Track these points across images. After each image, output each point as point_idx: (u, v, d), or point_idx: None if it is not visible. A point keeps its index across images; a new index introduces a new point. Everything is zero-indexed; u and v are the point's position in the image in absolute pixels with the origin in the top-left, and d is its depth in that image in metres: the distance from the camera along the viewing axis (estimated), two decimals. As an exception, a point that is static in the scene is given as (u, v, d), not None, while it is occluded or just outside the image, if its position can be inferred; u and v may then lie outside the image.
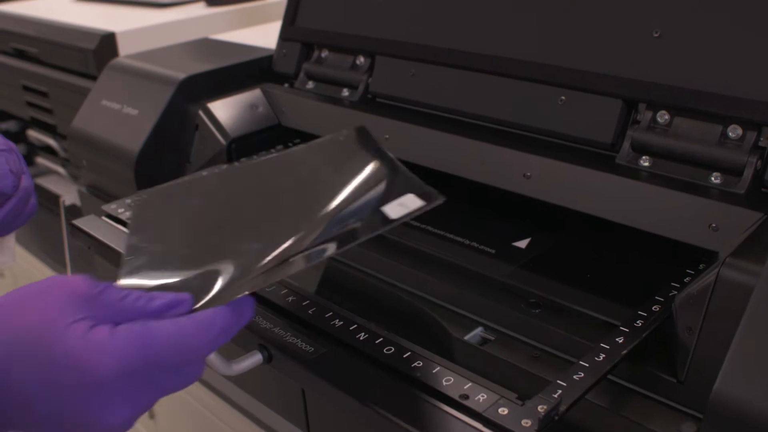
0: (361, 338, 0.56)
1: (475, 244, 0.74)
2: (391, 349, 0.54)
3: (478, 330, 0.65)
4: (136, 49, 1.12)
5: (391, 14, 0.88)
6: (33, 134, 1.40)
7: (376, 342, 0.55)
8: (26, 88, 1.33)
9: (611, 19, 0.71)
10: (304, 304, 0.61)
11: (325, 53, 0.96)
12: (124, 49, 1.18)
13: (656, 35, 0.69)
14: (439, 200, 0.54)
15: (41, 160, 1.44)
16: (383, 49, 0.88)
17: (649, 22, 0.69)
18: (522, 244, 0.74)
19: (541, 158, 0.71)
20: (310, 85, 0.96)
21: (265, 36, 1.12)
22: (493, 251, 0.73)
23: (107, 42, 1.17)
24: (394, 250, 0.74)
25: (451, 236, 0.76)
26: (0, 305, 0.41)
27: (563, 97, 0.74)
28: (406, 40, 0.86)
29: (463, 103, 0.81)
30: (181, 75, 0.93)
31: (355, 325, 0.57)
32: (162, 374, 0.41)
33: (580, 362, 0.52)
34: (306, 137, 0.93)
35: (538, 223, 0.76)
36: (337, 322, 0.58)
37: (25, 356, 0.40)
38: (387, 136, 0.83)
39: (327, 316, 0.59)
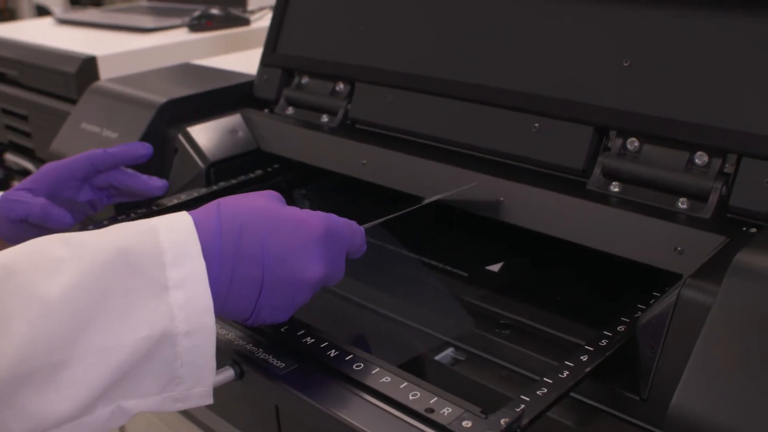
0: (331, 355, 0.59)
1: (449, 268, 0.77)
2: (360, 366, 0.57)
3: (449, 350, 0.68)
4: (117, 73, 1.16)
5: (370, 42, 0.92)
6: (11, 158, 1.43)
7: (346, 359, 0.58)
8: (5, 111, 1.37)
9: (583, 49, 0.76)
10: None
11: (305, 79, 1.00)
12: (105, 72, 1.22)
13: (626, 64, 0.73)
14: None
15: (18, 185, 1.47)
16: (362, 75, 0.92)
17: (619, 52, 0.73)
18: (495, 267, 0.77)
19: (514, 183, 0.75)
20: (290, 110, 1.00)
21: (246, 62, 1.16)
22: (466, 274, 0.76)
23: (88, 66, 1.21)
24: (367, 271, 0.77)
25: (426, 259, 0.79)
26: (225, 200, 0.58)
27: (537, 124, 0.78)
28: (384, 67, 0.90)
29: (440, 129, 0.85)
30: (162, 99, 0.97)
31: (326, 343, 0.60)
32: (336, 244, 0.59)
33: (544, 379, 0.55)
34: (285, 162, 0.97)
35: (512, 247, 0.80)
36: (309, 340, 0.61)
37: (258, 220, 0.56)
38: (364, 162, 0.86)
39: (299, 333, 0.62)
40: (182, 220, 0.53)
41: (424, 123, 0.86)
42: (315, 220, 0.58)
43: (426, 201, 0.75)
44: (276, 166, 0.98)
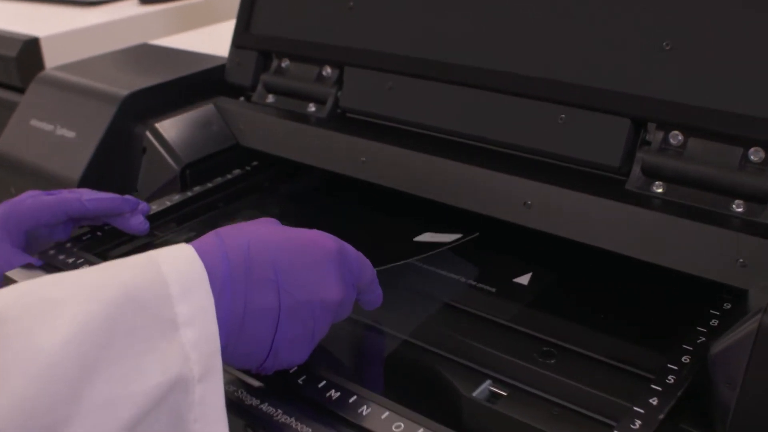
0: (363, 413, 0.52)
1: (473, 282, 0.71)
2: (400, 427, 0.51)
3: (486, 384, 0.62)
4: (64, 56, 1.06)
5: (363, 20, 0.84)
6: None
7: (383, 417, 0.52)
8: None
9: (616, 30, 0.69)
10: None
11: (285, 63, 0.91)
12: (50, 55, 1.11)
13: (667, 48, 0.67)
14: None
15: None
16: (354, 59, 0.84)
17: (659, 33, 0.67)
18: (523, 280, 0.71)
19: (543, 185, 0.68)
20: (270, 99, 0.91)
21: (211, 40, 1.07)
22: (494, 290, 0.70)
23: (30, 48, 1.10)
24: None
25: (444, 272, 0.72)
26: (222, 228, 0.54)
27: (563, 116, 0.71)
28: (380, 48, 0.82)
29: (451, 121, 0.77)
30: (124, 91, 0.88)
31: (354, 397, 0.53)
32: (347, 271, 0.56)
33: (615, 432, 0.49)
34: (268, 159, 0.88)
35: (537, 256, 0.74)
36: (334, 394, 0.54)
37: (266, 241, 0.53)
38: (364, 159, 0.79)
39: (320, 386, 0.55)
40: (183, 249, 0.50)
41: (432, 113, 0.78)
42: (326, 238, 0.56)
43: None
44: (255, 163, 0.90)
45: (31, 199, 0.73)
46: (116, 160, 0.87)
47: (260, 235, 0.54)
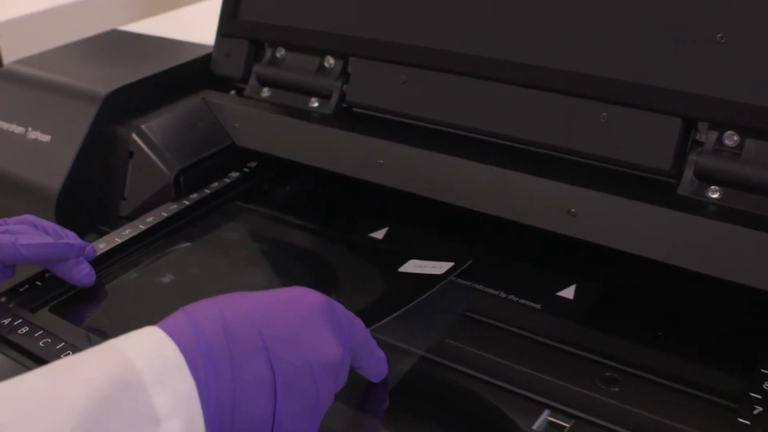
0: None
1: (514, 298, 0.67)
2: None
3: (545, 414, 0.58)
4: (20, 43, 0.98)
5: (369, 6, 0.78)
6: None
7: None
8: None
9: (664, 21, 0.65)
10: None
11: (280, 53, 0.85)
12: (6, 44, 1.02)
13: (721, 40, 0.63)
14: None
15: None
16: (361, 49, 0.78)
17: (711, 25, 0.63)
18: (568, 293, 0.67)
19: (589, 191, 0.64)
20: (266, 92, 0.85)
21: (185, 24, 0.99)
22: (538, 306, 0.66)
23: (-16, 37, 1.01)
24: (419, 311, 0.65)
25: (481, 287, 0.68)
26: (188, 306, 0.48)
27: (605, 114, 0.67)
28: (392, 38, 0.77)
29: (475, 118, 0.73)
30: (105, 89, 0.81)
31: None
32: (336, 321, 0.50)
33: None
34: (266, 160, 0.82)
35: (575, 266, 0.70)
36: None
37: (243, 308, 0.47)
38: (381, 161, 0.74)
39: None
40: (149, 331, 0.45)
41: (453, 110, 0.74)
42: (309, 293, 0.51)
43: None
44: (253, 164, 0.84)
45: None
46: (99, 166, 0.80)
47: (234, 301, 0.48)
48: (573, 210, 0.65)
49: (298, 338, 0.47)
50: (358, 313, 0.54)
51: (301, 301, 0.49)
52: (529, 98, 0.70)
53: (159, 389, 0.42)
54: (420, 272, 0.68)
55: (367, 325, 0.55)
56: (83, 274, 0.66)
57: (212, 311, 0.46)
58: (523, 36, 0.71)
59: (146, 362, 0.42)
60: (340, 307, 0.52)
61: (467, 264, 0.68)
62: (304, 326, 0.48)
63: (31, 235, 0.64)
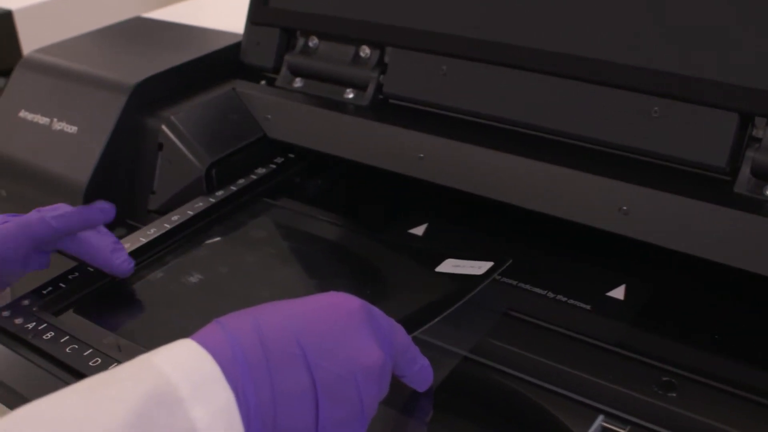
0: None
1: (562, 298, 0.65)
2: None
3: (599, 420, 0.57)
4: (41, 30, 0.96)
5: (408, -7, 0.76)
6: None
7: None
8: None
9: (719, 11, 0.63)
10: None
11: (313, 42, 0.83)
12: (26, 30, 1.00)
13: (780, 32, 0.61)
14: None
15: None
16: (400, 39, 0.77)
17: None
18: (618, 293, 0.66)
19: (641, 188, 0.63)
20: (298, 83, 0.84)
21: (209, 12, 0.98)
22: (588, 307, 0.64)
23: (3, 23, 0.99)
24: (459, 310, 0.64)
25: (528, 287, 0.67)
26: (224, 317, 0.47)
27: (656, 108, 0.65)
28: (432, 28, 0.75)
29: (519, 112, 0.71)
30: (134, 78, 0.79)
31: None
32: (379, 329, 0.49)
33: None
34: (300, 152, 0.81)
35: (624, 265, 0.68)
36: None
37: (279, 315, 0.46)
38: (421, 155, 0.72)
39: None
40: (183, 344, 0.44)
41: (498, 103, 0.72)
42: (347, 298, 0.49)
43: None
44: (282, 158, 0.82)
45: None
46: (127, 158, 0.79)
47: (269, 310, 0.47)
48: (625, 208, 0.64)
49: (337, 345, 0.46)
50: (396, 318, 0.53)
51: (339, 307, 0.48)
52: (578, 91, 0.69)
53: (197, 403, 0.41)
54: (458, 272, 0.67)
55: (408, 332, 0.54)
56: (121, 260, 0.65)
57: (247, 321, 0.46)
58: (572, 26, 0.69)
59: (182, 376, 0.42)
60: (379, 312, 0.51)
61: (507, 264, 0.67)
62: (343, 332, 0.47)
63: (60, 209, 0.63)
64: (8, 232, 0.62)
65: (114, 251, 0.64)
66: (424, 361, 0.55)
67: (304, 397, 0.45)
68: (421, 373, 0.55)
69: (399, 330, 0.52)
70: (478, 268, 0.66)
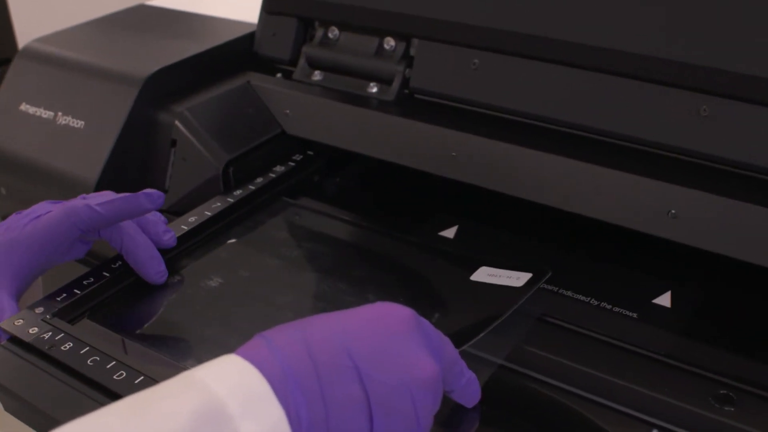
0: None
1: (606, 305, 0.64)
2: None
3: (653, 434, 0.55)
4: (35, 15, 0.93)
5: (436, -16, 0.74)
6: None
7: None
8: None
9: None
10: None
11: (333, 32, 0.81)
12: (20, 16, 0.97)
13: (840, 29, 0.60)
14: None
15: None
16: (427, 30, 0.75)
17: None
18: (664, 301, 0.64)
19: (692, 191, 0.62)
20: (317, 76, 0.81)
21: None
22: (635, 314, 0.63)
23: (-4, 9, 0.96)
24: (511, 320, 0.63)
25: (569, 293, 0.65)
26: (268, 331, 0.46)
27: (705, 107, 0.64)
28: (462, 19, 0.73)
29: (558, 108, 0.70)
30: (145, 71, 0.77)
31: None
32: (429, 340, 0.48)
33: None
34: (318, 149, 0.79)
35: (669, 270, 0.67)
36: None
37: (326, 328, 0.45)
38: (454, 154, 0.70)
39: None
40: (228, 360, 0.43)
41: (536, 100, 0.71)
42: (397, 307, 0.49)
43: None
44: (301, 156, 0.80)
45: (29, 223, 0.61)
46: (139, 155, 0.77)
47: (316, 323, 0.46)
48: (673, 211, 0.62)
49: (389, 356, 0.45)
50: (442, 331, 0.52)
51: (389, 317, 0.47)
52: (620, 88, 0.67)
53: (247, 420, 0.40)
54: (494, 282, 0.65)
55: (456, 345, 0.52)
56: (155, 271, 0.64)
57: (293, 334, 0.45)
58: (612, 18, 0.67)
59: (230, 392, 0.41)
60: (427, 323, 0.50)
61: (546, 276, 0.65)
62: (395, 343, 0.46)
63: (105, 195, 0.62)
64: (55, 219, 0.60)
65: (152, 258, 0.64)
66: (470, 375, 0.54)
67: (358, 410, 0.44)
68: (468, 388, 0.54)
69: (447, 343, 0.51)
70: (516, 279, 0.65)
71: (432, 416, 0.48)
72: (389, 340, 0.46)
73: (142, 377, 0.55)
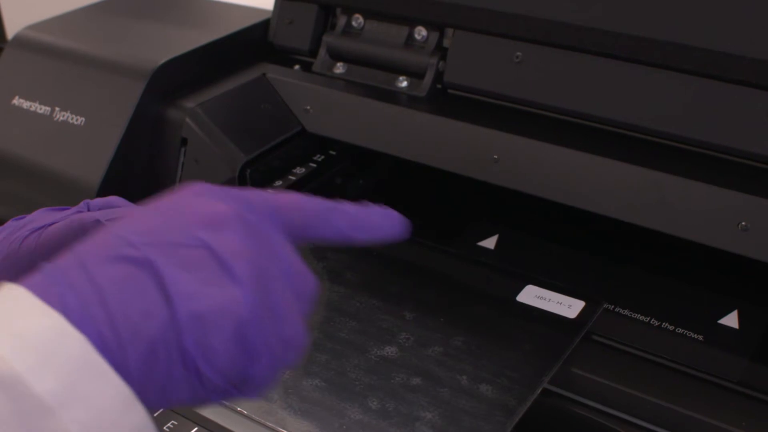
0: None
1: (669, 326, 0.60)
2: None
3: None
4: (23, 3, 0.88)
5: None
6: None
7: None
8: None
9: None
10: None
11: (358, 21, 0.77)
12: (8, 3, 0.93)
13: None
14: None
15: None
16: (464, 19, 0.71)
17: None
18: (731, 321, 0.61)
19: (765, 200, 0.58)
20: (340, 68, 0.77)
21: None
22: (701, 337, 0.60)
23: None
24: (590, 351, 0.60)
25: (627, 313, 0.62)
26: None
27: (776, 107, 0.60)
28: (503, 8, 0.69)
29: (611, 107, 0.66)
30: (152, 62, 0.73)
31: None
32: (222, 192, 0.41)
33: None
34: (341, 149, 0.75)
35: (735, 287, 0.64)
36: None
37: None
38: (496, 157, 0.67)
39: None
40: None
41: (586, 97, 0.67)
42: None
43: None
44: (323, 156, 0.76)
45: (30, 236, 0.56)
46: (145, 155, 0.72)
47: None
48: (744, 223, 0.59)
49: (161, 221, 0.39)
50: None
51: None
52: (680, 85, 0.64)
53: (42, 370, 0.34)
54: (543, 307, 0.62)
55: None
56: None
57: (68, 258, 0.38)
58: (673, 9, 0.64)
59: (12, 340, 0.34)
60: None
61: (602, 308, 0.62)
62: (168, 209, 0.39)
63: (116, 210, 0.55)
64: (60, 234, 0.55)
65: None
66: (337, 204, 0.46)
67: (135, 274, 0.37)
68: (339, 213, 0.45)
69: (257, 192, 0.43)
70: (567, 307, 0.62)
71: (244, 254, 0.39)
72: (158, 208, 0.40)
73: (161, 410, 0.51)
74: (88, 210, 0.55)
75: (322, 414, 0.53)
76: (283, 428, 0.52)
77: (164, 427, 0.51)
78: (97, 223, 0.54)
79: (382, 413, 0.53)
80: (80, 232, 0.55)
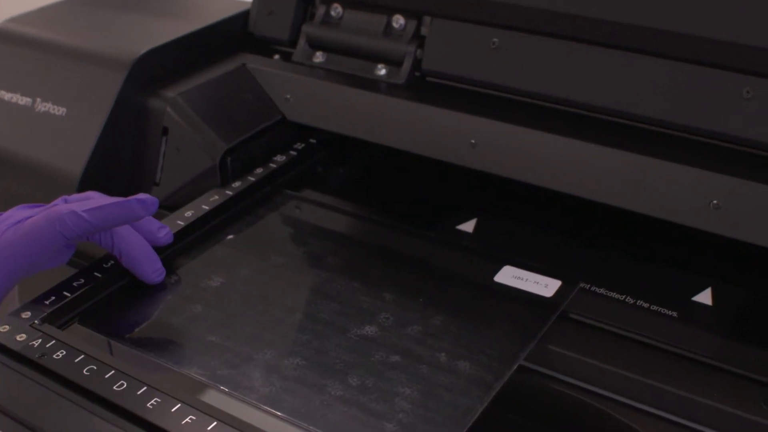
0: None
1: (643, 303, 0.63)
2: None
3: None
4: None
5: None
6: None
7: None
8: None
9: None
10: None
11: (336, 9, 0.80)
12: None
13: None
14: None
15: None
16: (441, 7, 0.74)
17: None
18: (704, 298, 0.64)
19: (736, 180, 0.62)
20: (319, 57, 0.80)
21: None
22: (674, 313, 0.62)
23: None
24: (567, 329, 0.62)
25: (602, 291, 0.65)
26: None
27: (748, 89, 0.63)
28: (479, -5, 0.72)
29: (586, 92, 0.69)
30: (133, 53, 0.75)
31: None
32: None
33: None
34: (321, 137, 0.78)
35: (708, 265, 0.67)
36: None
37: None
38: (473, 141, 0.69)
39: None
40: None
41: (562, 83, 0.70)
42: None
43: None
44: (303, 144, 0.79)
45: (8, 230, 0.59)
46: (127, 145, 0.75)
47: None
48: (716, 202, 0.62)
49: None
50: None
51: None
52: (653, 69, 0.67)
53: None
54: (520, 287, 0.65)
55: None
56: (153, 270, 0.63)
57: None
58: (644, -6, 0.67)
59: None
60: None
61: (577, 288, 0.65)
62: None
63: (92, 201, 0.60)
64: (37, 227, 0.58)
65: (147, 257, 0.63)
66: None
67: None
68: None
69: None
70: (544, 286, 0.64)
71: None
72: None
73: (145, 387, 0.54)
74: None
75: (303, 391, 0.56)
76: (265, 405, 0.54)
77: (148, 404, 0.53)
78: (74, 215, 0.57)
79: (362, 389, 0.56)
80: (58, 223, 0.57)
